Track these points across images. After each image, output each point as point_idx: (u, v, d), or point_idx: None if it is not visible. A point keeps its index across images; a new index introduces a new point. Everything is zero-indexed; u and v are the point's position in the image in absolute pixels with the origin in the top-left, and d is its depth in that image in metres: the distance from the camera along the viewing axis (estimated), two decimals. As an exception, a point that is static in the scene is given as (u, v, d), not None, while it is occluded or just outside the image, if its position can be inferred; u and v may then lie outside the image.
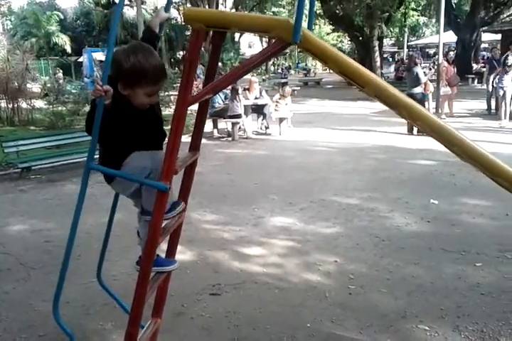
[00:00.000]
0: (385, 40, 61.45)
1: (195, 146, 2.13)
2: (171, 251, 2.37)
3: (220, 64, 37.71)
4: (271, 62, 45.36)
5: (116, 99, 1.75)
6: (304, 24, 1.79)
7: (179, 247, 4.40)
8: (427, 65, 23.24)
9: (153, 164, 1.89)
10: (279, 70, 44.31)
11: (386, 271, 3.80)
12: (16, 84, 13.67)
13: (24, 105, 13.91)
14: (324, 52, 1.52)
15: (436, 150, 8.44)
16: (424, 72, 12.18)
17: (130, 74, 1.75)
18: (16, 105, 13.79)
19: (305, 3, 1.45)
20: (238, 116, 10.39)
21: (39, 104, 14.37)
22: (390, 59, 55.73)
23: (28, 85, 15.08)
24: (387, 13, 18.54)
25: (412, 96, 11.08)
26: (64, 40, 33.60)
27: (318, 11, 29.89)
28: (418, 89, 10.86)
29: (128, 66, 1.75)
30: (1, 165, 8.00)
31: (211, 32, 1.70)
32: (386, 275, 3.72)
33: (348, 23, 23.33)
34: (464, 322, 3.04)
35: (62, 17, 34.81)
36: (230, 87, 11.57)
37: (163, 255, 2.43)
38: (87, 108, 1.77)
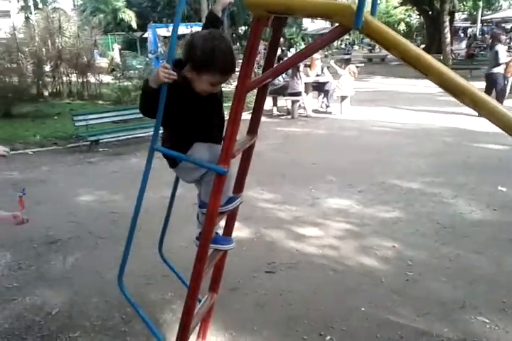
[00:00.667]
0: (456, 15, 58.19)
1: (253, 129, 2.13)
2: (228, 231, 2.42)
3: (281, 39, 37.30)
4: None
5: (178, 82, 1.76)
6: (369, 7, 1.74)
7: (236, 224, 4.51)
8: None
9: (212, 159, 1.90)
10: (343, 46, 43.18)
11: (446, 259, 3.70)
12: (86, 59, 14.18)
13: (93, 80, 14.45)
14: (386, 39, 1.46)
15: (505, 134, 8.02)
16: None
17: (203, 58, 1.76)
18: (85, 80, 14.37)
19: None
20: (298, 93, 10.27)
21: (107, 78, 14.86)
22: (462, 34, 52.80)
23: (97, 60, 15.62)
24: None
25: (489, 76, 10.50)
26: (130, 16, 34.32)
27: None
28: (496, 69, 10.25)
29: (205, 50, 1.76)
30: (72, 137, 8.42)
31: (272, 16, 1.68)
32: (446, 264, 3.62)
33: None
34: (527, 317, 2.93)
35: (126, -5, 35.44)
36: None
37: (221, 232, 2.49)
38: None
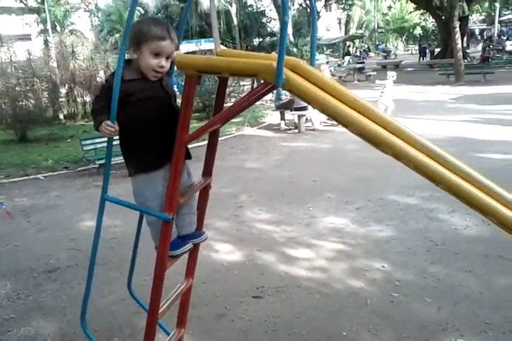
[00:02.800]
0: (474, 16, 57.40)
1: (208, 171, 2.21)
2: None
3: (295, 49, 37.04)
4: (348, 44, 44.20)
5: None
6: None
7: (230, 247, 4.60)
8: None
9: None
10: (357, 53, 43.09)
11: (434, 278, 3.71)
12: (99, 81, 14.56)
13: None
14: (305, 94, 1.55)
15: (511, 143, 7.95)
16: None
17: (136, 32, 1.89)
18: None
19: (285, 49, 1.47)
20: (304, 108, 10.36)
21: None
22: (479, 36, 52.13)
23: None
24: (470, -9, 17.31)
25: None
26: (145, 34, 35.02)
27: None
28: None
29: (137, 27, 1.91)
30: (81, 161, 8.67)
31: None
32: (433, 283, 3.63)
33: (427, 2, 22.10)
34: (509, 338, 2.92)
35: (142, 12, 36.19)
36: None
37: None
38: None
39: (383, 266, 3.96)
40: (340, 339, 3.02)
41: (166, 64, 1.92)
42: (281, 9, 1.54)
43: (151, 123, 1.94)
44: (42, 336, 3.27)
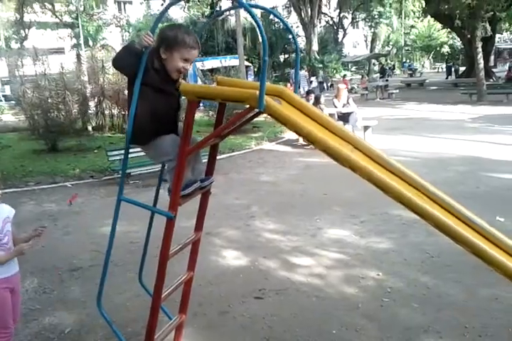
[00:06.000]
0: (505, 34, 57.01)
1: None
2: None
3: (320, 65, 37.22)
4: (373, 62, 44.48)
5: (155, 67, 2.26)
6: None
7: (238, 253, 4.95)
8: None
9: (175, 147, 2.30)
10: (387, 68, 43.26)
11: (424, 286, 3.98)
12: (126, 95, 15.22)
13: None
14: (281, 117, 1.92)
15: (522, 163, 8.11)
16: None
17: (172, 38, 2.26)
18: (126, 113, 15.40)
19: (265, 80, 1.86)
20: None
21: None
22: (508, 55, 51.78)
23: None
24: (492, 13, 17.49)
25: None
26: (174, 49, 36.01)
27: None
28: None
29: (172, 32, 2.28)
30: (107, 170, 9.19)
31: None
32: (422, 291, 3.90)
33: (452, 21, 22.24)
34: (484, 341, 3.18)
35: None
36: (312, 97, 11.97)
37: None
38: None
39: (378, 275, 4.25)
40: (330, 336, 3.33)
41: (188, 67, 2.35)
42: (262, 49, 1.93)
43: (162, 111, 2.32)
44: (64, 325, 3.66)
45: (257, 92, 1.85)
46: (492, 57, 36.98)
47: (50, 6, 35.78)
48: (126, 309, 3.91)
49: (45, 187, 8.57)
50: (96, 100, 15.03)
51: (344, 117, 11.66)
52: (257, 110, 1.97)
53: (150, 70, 2.26)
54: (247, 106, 1.97)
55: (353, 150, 2.13)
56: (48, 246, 5.39)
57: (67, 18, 37.77)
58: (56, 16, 37.03)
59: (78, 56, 28.31)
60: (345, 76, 30.04)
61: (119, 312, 3.82)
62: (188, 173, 2.41)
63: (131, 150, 8.93)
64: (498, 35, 42.09)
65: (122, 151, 8.81)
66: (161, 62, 2.31)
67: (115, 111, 15.40)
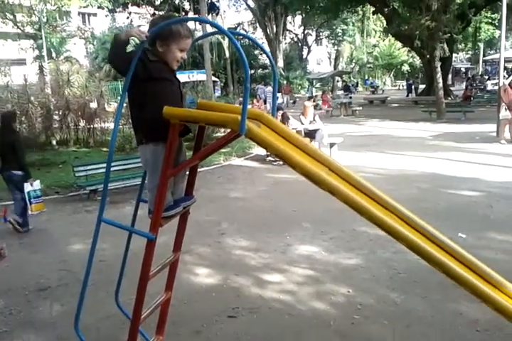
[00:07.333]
0: (461, 54, 59.61)
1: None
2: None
3: (285, 82, 37.96)
4: (336, 79, 45.47)
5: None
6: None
7: (210, 271, 4.95)
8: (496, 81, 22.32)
9: None
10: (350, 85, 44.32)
11: (393, 302, 4.10)
12: (92, 108, 15.06)
13: (99, 127, 15.27)
14: (262, 142, 2.00)
15: (481, 180, 8.47)
16: None
17: (165, 32, 2.24)
18: (92, 126, 15.20)
19: (247, 106, 1.94)
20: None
21: (113, 125, 15.69)
22: (464, 75, 54.07)
23: (106, 106, 16.50)
24: (449, 34, 18.30)
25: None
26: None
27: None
28: None
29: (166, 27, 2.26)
30: (72, 186, 9.02)
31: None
32: (391, 308, 4.02)
33: (412, 41, 23.10)
34: (452, 356, 3.30)
35: (138, 41, 37.15)
36: (280, 114, 12.15)
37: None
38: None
39: (348, 291, 4.34)
40: (303, 355, 3.38)
41: (185, 56, 2.39)
42: (244, 75, 2.01)
43: (170, 100, 2.31)
44: (33, 348, 3.58)
45: (239, 117, 1.92)
46: (450, 76, 38.59)
47: (11, 17, 35.07)
48: (97, 330, 3.86)
49: (8, 203, 8.32)
50: (61, 113, 14.79)
51: (311, 134, 11.87)
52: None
53: (148, 64, 2.27)
54: (229, 129, 2.03)
55: (329, 173, 2.22)
56: (13, 266, 5.25)
57: (29, 29, 37.07)
58: (18, 27, 36.30)
59: (41, 68, 27.82)
60: (324, 92, 30.23)
61: (90, 334, 3.74)
62: (169, 195, 2.44)
63: (96, 166, 8.74)
64: (454, 55, 43.96)
65: (89, 167, 8.79)
66: (157, 54, 2.33)
67: (81, 125, 15.18)
